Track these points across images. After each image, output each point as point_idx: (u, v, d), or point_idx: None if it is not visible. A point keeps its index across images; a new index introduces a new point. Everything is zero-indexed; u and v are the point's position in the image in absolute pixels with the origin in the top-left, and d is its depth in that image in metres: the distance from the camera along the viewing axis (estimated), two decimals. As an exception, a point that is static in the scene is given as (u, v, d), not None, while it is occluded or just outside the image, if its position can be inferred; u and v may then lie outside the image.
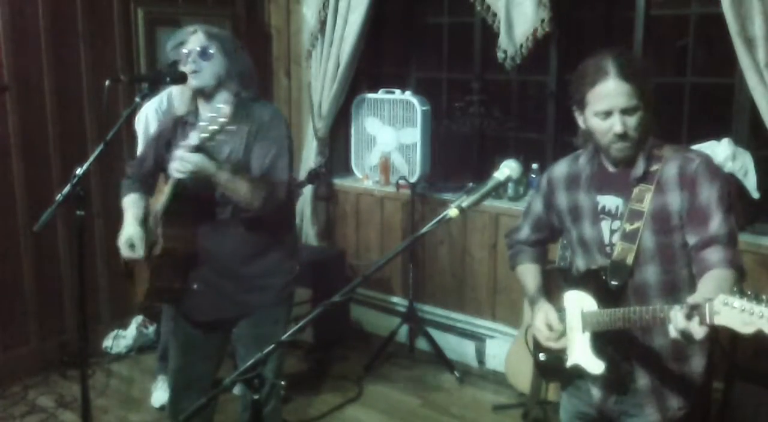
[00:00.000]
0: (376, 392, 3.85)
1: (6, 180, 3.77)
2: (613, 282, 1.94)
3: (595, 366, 1.98)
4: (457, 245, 4.19)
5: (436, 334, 4.17)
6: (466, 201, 1.69)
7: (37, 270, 3.93)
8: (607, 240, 1.99)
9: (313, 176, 4.06)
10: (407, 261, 4.19)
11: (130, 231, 2.49)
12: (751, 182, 3.27)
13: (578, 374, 2.07)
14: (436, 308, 4.32)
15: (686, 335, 1.61)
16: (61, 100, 3.92)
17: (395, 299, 4.45)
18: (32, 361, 3.91)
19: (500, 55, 3.73)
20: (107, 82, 2.38)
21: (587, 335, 1.98)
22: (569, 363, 2.07)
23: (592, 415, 2.13)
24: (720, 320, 1.55)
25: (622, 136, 1.85)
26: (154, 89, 2.50)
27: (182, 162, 2.18)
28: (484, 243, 4.08)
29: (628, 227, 1.92)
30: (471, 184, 4.14)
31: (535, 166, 3.95)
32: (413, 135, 4.26)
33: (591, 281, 1.99)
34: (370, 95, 4.44)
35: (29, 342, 3.95)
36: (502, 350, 3.80)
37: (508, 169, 1.77)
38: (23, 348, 3.92)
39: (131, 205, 2.57)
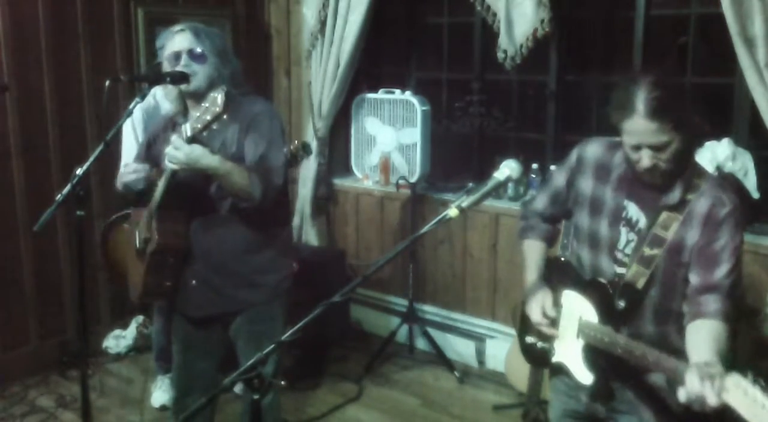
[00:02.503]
0: (376, 392, 3.85)
1: (6, 180, 3.77)
2: (621, 303, 1.92)
3: (584, 376, 1.98)
4: (457, 245, 4.19)
5: (436, 334, 4.17)
6: (466, 201, 1.69)
7: (37, 270, 3.93)
8: (622, 246, 1.97)
9: (290, 159, 3.53)
10: (407, 261, 4.18)
11: (138, 165, 2.47)
12: (751, 182, 3.27)
13: (562, 370, 2.08)
14: (436, 308, 4.32)
15: (700, 400, 1.57)
16: (61, 100, 3.92)
17: (395, 299, 4.45)
18: (32, 361, 3.91)
19: (500, 55, 3.73)
20: (107, 82, 2.38)
21: (580, 342, 1.97)
22: (555, 359, 2.07)
23: (581, 412, 2.13)
24: (727, 398, 1.53)
25: (651, 169, 1.81)
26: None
27: (176, 151, 2.16)
28: (484, 243, 4.08)
29: (647, 251, 1.89)
30: (471, 184, 4.14)
31: (535, 165, 3.95)
32: (413, 135, 4.26)
33: (597, 293, 1.96)
34: (370, 95, 4.44)
35: (29, 342, 3.95)
36: (502, 350, 3.80)
37: (508, 169, 1.77)
38: (23, 348, 3.93)
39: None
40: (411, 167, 4.29)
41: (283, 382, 2.41)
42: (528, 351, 2.23)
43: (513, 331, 3.77)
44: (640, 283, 1.89)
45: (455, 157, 4.50)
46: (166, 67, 2.39)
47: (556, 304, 2.06)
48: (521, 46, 3.67)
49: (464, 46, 4.31)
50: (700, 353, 1.72)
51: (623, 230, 1.96)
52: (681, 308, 1.91)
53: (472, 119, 4.25)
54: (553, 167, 3.89)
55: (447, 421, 3.59)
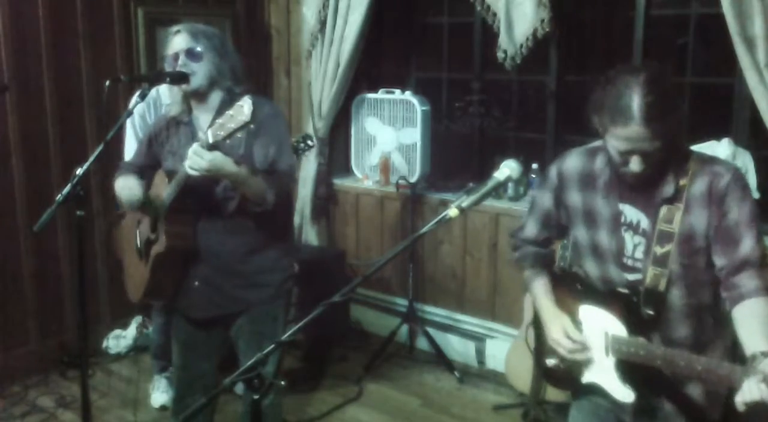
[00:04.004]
0: (376, 392, 3.85)
1: (6, 180, 3.77)
2: (648, 311, 1.83)
3: (624, 394, 1.88)
4: (457, 245, 4.19)
5: (436, 334, 4.17)
6: (466, 201, 1.67)
7: (37, 270, 3.93)
8: (629, 252, 1.89)
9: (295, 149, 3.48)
10: (407, 261, 4.18)
11: (130, 181, 2.47)
12: (751, 182, 3.27)
13: (595, 390, 1.97)
14: (436, 308, 4.32)
15: (759, 404, 1.48)
16: (61, 100, 3.92)
17: (395, 299, 4.45)
18: (32, 361, 3.91)
19: (500, 55, 3.73)
20: (107, 82, 2.38)
21: (611, 359, 1.88)
22: (586, 380, 1.98)
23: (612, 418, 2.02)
24: None
25: (639, 174, 1.75)
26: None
27: (198, 159, 2.15)
28: (484, 243, 4.08)
29: (659, 250, 1.80)
30: (471, 184, 4.13)
31: (535, 166, 3.95)
32: (413, 135, 4.26)
33: (619, 304, 1.87)
34: (370, 95, 4.44)
35: (29, 342, 3.95)
36: (502, 350, 3.80)
37: (508, 169, 1.74)
38: (23, 348, 3.92)
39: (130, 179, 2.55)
40: (411, 167, 4.29)
41: (283, 383, 2.40)
42: (551, 374, 2.13)
43: (513, 331, 3.77)
44: (662, 285, 1.81)
45: (455, 157, 4.50)
46: (167, 69, 2.40)
47: (575, 322, 1.97)
48: (521, 46, 3.67)
49: (464, 46, 4.31)
50: (756, 340, 1.60)
51: (626, 235, 1.89)
52: (711, 299, 1.82)
53: (472, 119, 4.25)
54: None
55: (447, 421, 3.59)
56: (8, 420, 3.50)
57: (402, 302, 4.33)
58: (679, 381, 1.87)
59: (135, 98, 2.51)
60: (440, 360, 4.06)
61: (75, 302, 3.89)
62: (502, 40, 3.71)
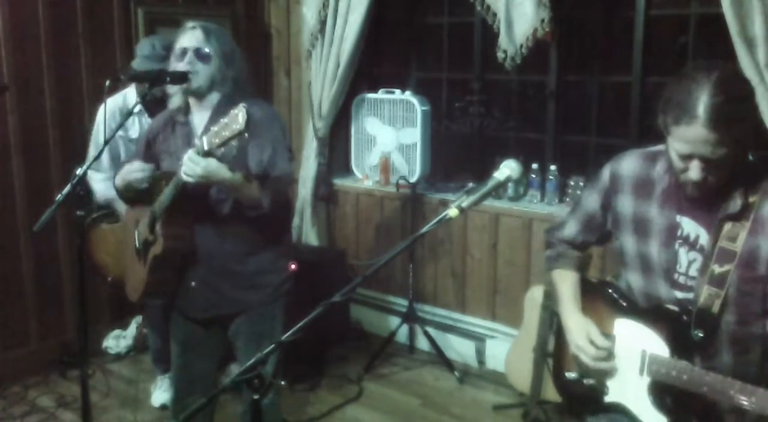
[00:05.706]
0: (376, 392, 3.85)
1: (6, 180, 3.77)
2: (698, 333, 1.71)
3: (654, 420, 1.77)
4: (457, 245, 4.19)
5: (436, 334, 4.17)
6: (466, 201, 1.65)
7: (37, 270, 3.93)
8: (683, 268, 1.76)
9: None
10: (407, 261, 4.18)
11: (135, 164, 2.47)
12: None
13: (618, 411, 1.86)
14: (436, 308, 4.32)
15: None
16: (61, 100, 3.92)
17: (395, 299, 4.45)
18: (32, 361, 3.91)
19: (500, 55, 3.73)
20: (107, 82, 2.38)
21: (645, 380, 1.78)
22: (609, 399, 1.88)
23: None
24: None
25: (698, 183, 1.61)
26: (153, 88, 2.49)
27: (193, 166, 2.15)
28: (484, 243, 4.08)
29: (717, 269, 1.66)
30: (471, 184, 4.14)
31: (535, 166, 3.95)
32: (413, 135, 4.26)
33: (667, 322, 1.76)
34: (370, 95, 4.44)
35: (29, 342, 3.95)
36: (502, 350, 3.80)
37: (508, 169, 1.72)
38: (23, 348, 3.93)
39: None
40: (411, 167, 4.29)
41: (283, 382, 2.40)
42: (568, 389, 2.03)
43: (513, 331, 3.77)
44: (716, 307, 1.68)
45: (455, 157, 4.50)
46: (173, 62, 2.41)
47: (607, 334, 1.87)
48: (521, 46, 3.67)
49: (464, 46, 4.31)
50: None
51: (681, 250, 1.76)
52: (762, 332, 1.69)
53: (472, 119, 4.25)
54: (553, 167, 3.90)
55: (447, 421, 3.59)
56: (8, 420, 3.50)
57: (402, 302, 4.33)
58: (720, 411, 1.76)
59: (135, 98, 2.50)
60: (440, 360, 4.06)
61: (75, 302, 3.89)
62: (502, 40, 3.71)
